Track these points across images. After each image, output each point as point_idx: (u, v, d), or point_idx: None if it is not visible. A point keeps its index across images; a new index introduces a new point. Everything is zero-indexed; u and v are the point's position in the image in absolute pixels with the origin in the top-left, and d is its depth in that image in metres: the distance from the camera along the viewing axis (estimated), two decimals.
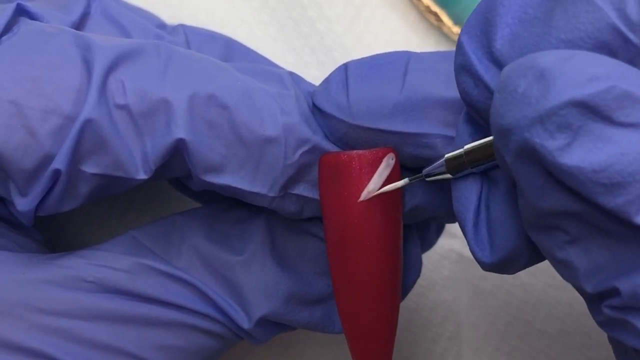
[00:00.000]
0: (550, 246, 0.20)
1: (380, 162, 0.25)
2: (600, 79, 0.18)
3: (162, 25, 0.31)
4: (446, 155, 0.24)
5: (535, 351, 0.38)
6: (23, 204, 0.25)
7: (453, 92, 0.25)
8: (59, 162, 0.24)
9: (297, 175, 0.26)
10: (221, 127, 0.25)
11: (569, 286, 0.37)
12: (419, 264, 0.29)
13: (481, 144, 0.23)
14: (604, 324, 0.21)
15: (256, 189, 0.26)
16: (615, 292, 0.19)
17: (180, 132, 0.25)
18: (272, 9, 0.39)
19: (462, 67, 0.23)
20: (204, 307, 0.27)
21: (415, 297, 0.38)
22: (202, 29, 0.31)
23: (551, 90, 0.18)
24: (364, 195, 0.25)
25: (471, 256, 0.37)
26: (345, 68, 0.26)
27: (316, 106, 0.26)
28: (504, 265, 0.23)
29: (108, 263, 0.26)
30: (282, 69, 0.29)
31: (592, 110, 0.18)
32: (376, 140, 0.26)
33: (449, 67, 0.25)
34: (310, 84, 0.29)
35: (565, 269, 0.21)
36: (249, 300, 0.27)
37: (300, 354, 0.37)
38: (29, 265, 0.26)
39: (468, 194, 0.24)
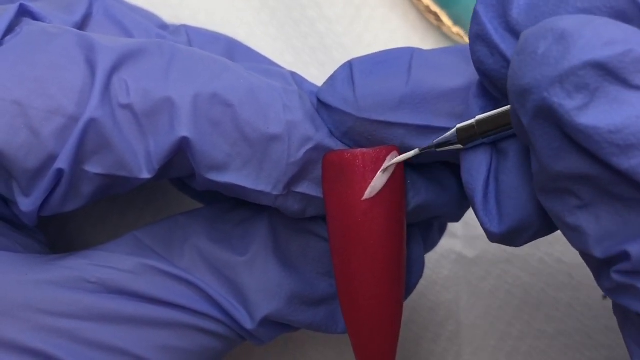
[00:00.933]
0: (561, 211, 0.21)
1: (384, 160, 0.25)
2: (618, 42, 0.19)
3: (163, 26, 0.31)
4: (457, 125, 0.24)
5: (535, 351, 0.38)
6: (26, 204, 0.25)
7: (458, 83, 0.25)
8: (62, 162, 0.24)
9: (301, 173, 0.26)
10: (225, 125, 0.25)
11: (569, 286, 0.38)
12: (421, 264, 0.29)
13: (493, 114, 0.24)
14: (611, 290, 0.21)
15: (260, 187, 0.26)
16: (625, 256, 0.20)
17: (184, 130, 0.25)
18: (272, 9, 0.39)
19: (478, 37, 0.23)
20: (207, 308, 0.27)
21: (415, 296, 0.38)
22: (204, 30, 0.31)
23: (571, 51, 0.19)
24: (368, 193, 0.25)
25: (471, 256, 0.38)
26: (349, 65, 0.26)
27: (322, 102, 0.26)
28: (512, 235, 0.24)
29: (111, 263, 0.26)
30: (284, 69, 0.29)
31: (609, 72, 0.18)
32: (382, 134, 0.26)
33: (451, 59, 0.26)
34: (312, 84, 0.29)
35: (575, 234, 0.21)
36: (251, 300, 0.27)
37: (302, 354, 0.37)
38: (32, 266, 0.26)
39: (478, 165, 0.24)
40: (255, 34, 0.39)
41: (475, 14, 0.23)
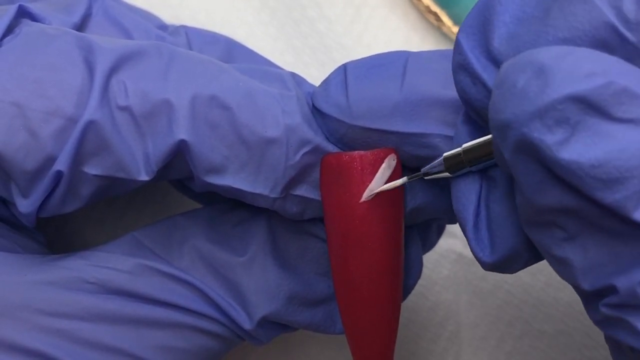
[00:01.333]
0: (548, 243, 0.20)
1: (382, 162, 0.25)
2: (599, 74, 0.18)
3: (163, 26, 0.31)
4: (445, 154, 0.24)
5: (534, 351, 0.38)
6: (25, 205, 0.25)
7: (452, 92, 0.25)
8: (61, 164, 0.24)
9: (299, 176, 0.26)
10: (223, 128, 0.25)
11: (569, 286, 0.37)
12: (419, 265, 0.29)
13: (479, 142, 0.23)
14: (601, 322, 0.21)
15: (258, 190, 0.26)
16: (612, 289, 0.19)
17: (182, 133, 0.25)
18: (272, 9, 0.39)
19: (460, 66, 0.23)
20: (205, 308, 0.27)
21: (414, 297, 0.38)
22: (203, 30, 0.31)
23: (550, 85, 0.18)
24: (366, 195, 0.25)
25: (471, 256, 0.38)
26: (344, 69, 0.26)
27: (316, 107, 0.26)
28: (504, 264, 0.23)
29: (109, 264, 0.26)
30: (284, 70, 0.29)
31: (590, 106, 0.18)
32: (376, 141, 0.26)
33: (447, 65, 0.25)
34: (311, 85, 0.28)
35: (562, 266, 0.21)
36: (250, 301, 0.27)
37: (300, 354, 0.37)
38: (31, 267, 0.26)
39: (468, 193, 0.24)
40: (255, 34, 0.39)
41: (457, 43, 0.23)
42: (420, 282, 0.37)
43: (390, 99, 0.25)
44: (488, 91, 0.22)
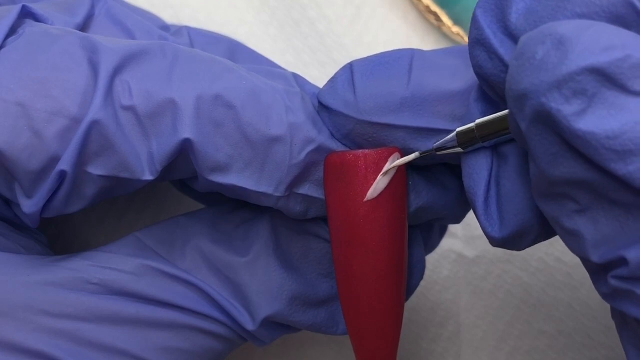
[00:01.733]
0: (559, 215, 0.21)
1: (386, 160, 0.25)
2: (617, 48, 0.19)
3: (165, 27, 0.31)
4: (458, 129, 0.24)
5: (535, 351, 0.38)
6: (29, 205, 0.25)
7: (459, 85, 0.25)
8: (65, 164, 0.24)
9: (303, 174, 0.26)
10: (227, 127, 0.25)
11: (569, 286, 0.38)
12: (422, 265, 0.29)
13: (493, 118, 0.23)
14: (609, 295, 0.21)
15: (262, 188, 0.26)
16: (622, 262, 0.20)
17: (186, 132, 0.25)
18: (272, 9, 0.39)
19: (477, 41, 0.23)
20: (208, 309, 0.27)
21: (415, 297, 0.38)
22: (206, 31, 0.31)
23: (569, 57, 0.19)
24: (370, 194, 0.25)
25: (471, 256, 0.38)
26: (350, 67, 0.26)
27: (322, 104, 0.26)
28: (514, 240, 0.24)
29: (112, 265, 0.26)
30: (286, 70, 0.29)
31: (607, 78, 0.18)
32: (383, 136, 0.26)
33: (452, 61, 0.26)
34: (313, 85, 0.29)
35: (573, 239, 0.21)
36: (253, 301, 0.27)
37: (301, 355, 0.37)
38: (33, 267, 0.26)
39: (479, 169, 0.24)
40: (255, 34, 0.39)
41: (474, 19, 0.23)
42: (420, 282, 0.38)
43: (398, 95, 0.25)
44: (505, 66, 0.22)
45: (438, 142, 0.25)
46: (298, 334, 0.34)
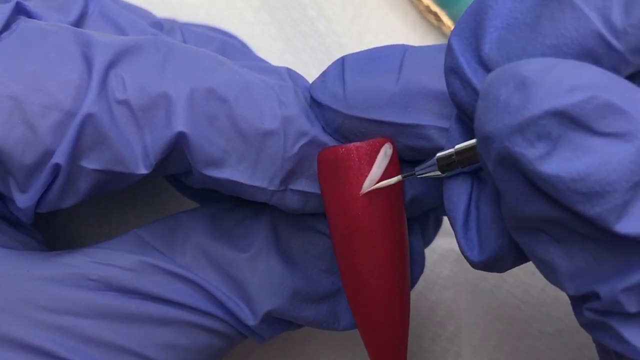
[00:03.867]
0: (534, 248, 0.21)
1: (378, 152, 0.25)
2: (582, 89, 0.18)
3: (158, 24, 0.31)
4: (437, 155, 0.24)
5: (534, 351, 0.38)
6: (23, 200, 0.25)
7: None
8: (59, 157, 0.24)
9: (297, 168, 0.26)
10: (221, 121, 0.25)
11: None
12: (422, 258, 0.30)
13: (471, 144, 0.23)
14: (587, 325, 0.21)
15: (256, 182, 0.26)
16: (595, 296, 0.20)
17: (180, 125, 0.25)
18: (271, 9, 0.39)
19: (451, 69, 0.23)
20: (208, 306, 0.27)
21: (415, 296, 0.38)
22: (198, 28, 0.31)
23: (531, 100, 0.18)
24: (366, 186, 0.25)
25: None
26: (342, 61, 0.27)
27: (313, 98, 0.26)
28: (492, 264, 0.24)
29: (112, 261, 0.26)
30: (279, 66, 0.29)
31: (572, 120, 0.18)
32: (372, 131, 0.26)
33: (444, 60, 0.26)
34: (307, 80, 0.29)
35: (547, 270, 0.21)
36: (254, 297, 0.27)
37: (301, 353, 0.37)
38: (33, 263, 0.26)
39: (458, 193, 0.24)
40: (255, 34, 0.39)
41: (449, 47, 0.23)
42: (420, 281, 0.37)
43: (387, 91, 0.25)
44: (477, 95, 0.22)
45: (418, 167, 0.25)
46: (298, 332, 0.34)
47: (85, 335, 0.25)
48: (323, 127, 0.27)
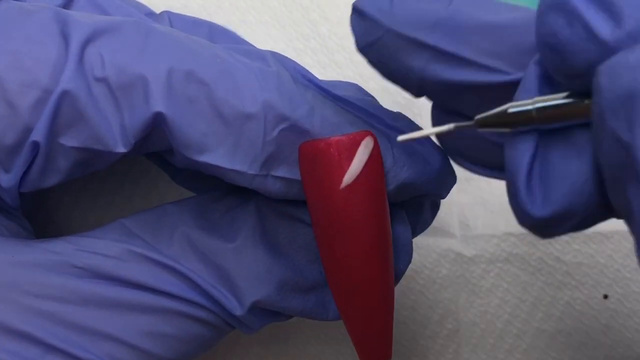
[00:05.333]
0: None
1: (359, 145, 0.25)
2: None
3: (151, 14, 0.31)
4: (511, 108, 0.22)
5: (534, 350, 0.38)
6: (6, 180, 0.25)
7: (503, 19, 0.23)
8: (37, 135, 0.24)
9: (277, 154, 0.26)
10: (201, 104, 0.25)
11: (568, 285, 0.38)
12: (409, 248, 0.29)
13: (560, 104, 0.21)
14: None
15: (236, 166, 0.26)
16: None
17: (158, 105, 0.25)
18: (273, 10, 0.40)
19: (555, 5, 0.21)
20: (195, 296, 0.27)
21: (413, 295, 0.38)
22: (186, 16, 0.31)
23: None
24: (346, 180, 0.25)
25: (469, 255, 0.38)
26: None
27: (355, 8, 0.25)
28: (554, 221, 0.22)
29: (98, 250, 0.27)
30: (265, 50, 0.29)
31: None
32: (407, 54, 0.24)
33: (497, 4, 0.24)
34: (294, 61, 0.29)
35: None
36: (240, 287, 0.27)
37: (301, 352, 0.37)
38: (18, 249, 0.26)
39: (524, 141, 0.22)
40: (256, 35, 0.39)
41: None
42: (419, 280, 0.38)
43: (435, 14, 0.24)
44: (588, 33, 0.20)
45: (481, 115, 0.22)
46: (295, 330, 0.34)
47: (70, 322, 0.26)
48: (356, 41, 0.25)
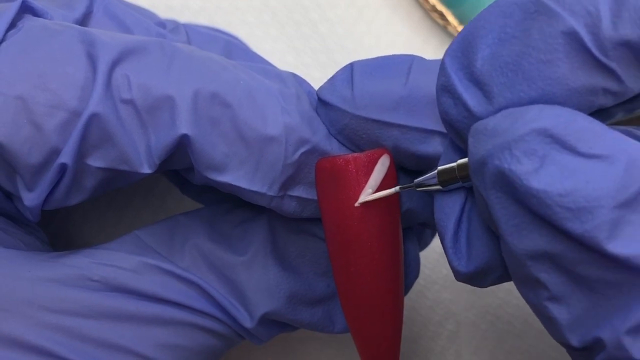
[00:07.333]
0: (535, 301, 0.21)
1: (376, 163, 0.26)
2: (564, 114, 0.19)
3: (161, 23, 0.31)
4: (439, 168, 0.24)
5: (534, 350, 0.38)
6: (30, 198, 0.25)
7: None
8: (65, 157, 0.24)
9: (296, 175, 0.26)
10: (224, 125, 0.25)
11: None
12: (417, 263, 0.30)
13: (463, 163, 0.23)
14: None
15: (255, 187, 0.26)
16: (600, 344, 0.20)
17: (184, 127, 0.25)
18: (273, 10, 0.40)
19: (444, 88, 0.23)
20: (207, 307, 0.27)
21: (414, 296, 0.38)
22: (203, 29, 0.31)
23: (518, 121, 0.20)
24: (362, 197, 0.26)
25: None
26: (350, 67, 0.27)
27: (320, 99, 0.27)
28: (478, 276, 0.24)
29: (113, 262, 0.27)
30: (283, 70, 0.29)
31: (555, 140, 0.19)
32: (377, 133, 0.26)
33: None
34: (311, 85, 0.29)
35: (549, 323, 0.21)
36: (250, 299, 0.28)
37: (301, 354, 0.37)
38: (35, 263, 0.26)
39: (452, 203, 0.24)
40: (256, 35, 0.39)
41: (442, 66, 0.23)
42: (419, 281, 0.38)
43: (395, 94, 0.26)
44: (468, 112, 0.22)
45: (419, 179, 0.25)
46: (297, 334, 0.34)
47: (86, 335, 0.26)
48: (328, 131, 0.27)
